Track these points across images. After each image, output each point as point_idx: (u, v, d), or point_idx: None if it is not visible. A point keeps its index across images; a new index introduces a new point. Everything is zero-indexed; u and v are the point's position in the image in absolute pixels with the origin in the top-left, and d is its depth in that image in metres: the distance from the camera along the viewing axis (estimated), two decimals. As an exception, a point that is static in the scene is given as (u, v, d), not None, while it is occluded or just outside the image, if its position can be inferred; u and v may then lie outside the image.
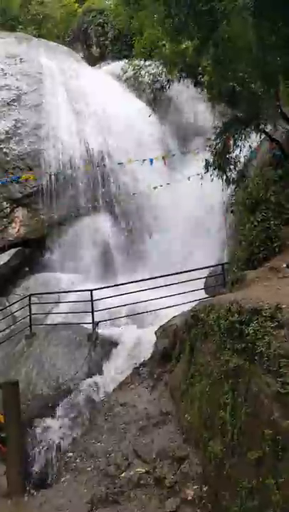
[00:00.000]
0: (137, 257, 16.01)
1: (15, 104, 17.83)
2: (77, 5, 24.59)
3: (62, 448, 6.34)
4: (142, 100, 19.64)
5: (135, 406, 6.20)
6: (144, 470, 4.58)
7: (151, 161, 10.82)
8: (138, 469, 4.63)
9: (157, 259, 15.34)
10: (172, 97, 19.20)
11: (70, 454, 5.47)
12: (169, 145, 17.88)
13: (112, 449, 5.30)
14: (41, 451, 7.11)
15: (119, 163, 11.59)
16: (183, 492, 4.13)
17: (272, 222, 6.56)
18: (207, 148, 9.35)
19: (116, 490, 4.50)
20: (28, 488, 5.06)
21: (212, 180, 9.81)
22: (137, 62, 12.94)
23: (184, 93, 19.21)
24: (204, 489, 4.00)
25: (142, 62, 12.46)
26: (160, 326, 8.30)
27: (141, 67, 11.41)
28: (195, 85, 18.33)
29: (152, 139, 17.83)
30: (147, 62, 16.35)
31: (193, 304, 9.79)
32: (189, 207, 15.51)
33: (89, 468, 5.05)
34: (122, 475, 4.65)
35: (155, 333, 8.21)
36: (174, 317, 8.22)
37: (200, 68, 16.03)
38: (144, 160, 10.54)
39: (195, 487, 4.09)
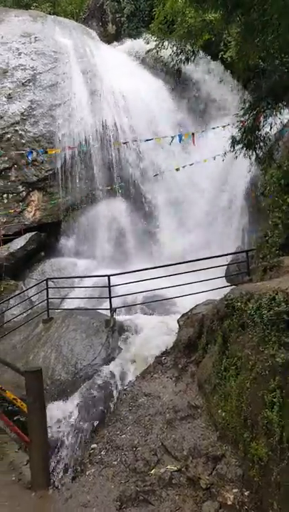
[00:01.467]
0: (153, 243, 15.64)
1: (30, 84, 17.36)
2: (92, -20, 23.62)
3: (85, 438, 6.11)
4: (158, 78, 18.95)
5: (160, 397, 5.88)
6: (175, 468, 4.28)
7: (180, 137, 10.23)
8: (169, 466, 4.33)
9: (174, 246, 14.95)
10: (191, 74, 18.45)
11: (94, 445, 5.20)
12: (187, 125, 17.21)
13: (139, 443, 5.01)
14: (62, 439, 6.97)
15: (147, 140, 10.97)
16: (221, 495, 3.81)
17: (311, 204, 6.08)
18: (232, 126, 8.76)
19: (146, 488, 4.21)
20: (52, 480, 4.80)
21: (236, 158, 9.26)
22: (155, 39, 12.28)
23: (203, 70, 18.50)
24: (246, 494, 3.66)
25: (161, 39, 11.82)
26: (183, 314, 7.94)
27: (161, 42, 10.76)
28: (215, 60, 17.61)
29: (169, 118, 17.19)
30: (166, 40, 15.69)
31: (214, 293, 9.53)
32: (208, 189, 14.98)
33: (115, 462, 4.78)
34: (152, 472, 4.35)
35: (178, 321, 7.86)
36: (197, 305, 7.85)
37: (222, 44, 15.34)
38: (173, 137, 9.95)
39: (235, 491, 3.76)
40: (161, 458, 4.57)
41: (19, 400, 5.07)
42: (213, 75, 18.39)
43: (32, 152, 13.32)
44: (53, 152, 13.49)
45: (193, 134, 10.48)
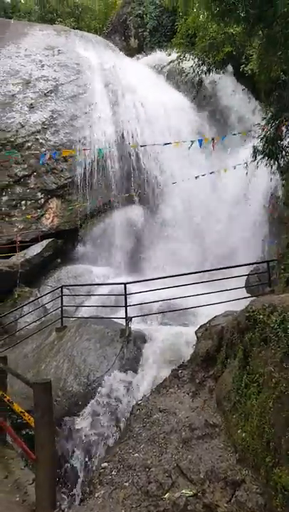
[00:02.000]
0: (171, 252, 15.39)
1: (52, 95, 17.65)
2: (116, -3, 24.15)
3: (95, 455, 5.84)
4: (180, 91, 18.96)
5: (176, 414, 5.56)
6: (191, 493, 3.95)
7: (200, 142, 10.08)
8: (184, 491, 4.00)
9: (191, 255, 14.68)
10: (212, 88, 18.39)
11: (105, 464, 4.90)
12: (208, 136, 17.07)
13: (152, 463, 4.69)
14: (73, 456, 6.70)
15: (165, 144, 10.85)
16: (241, 526, 3.48)
17: None
18: (254, 132, 8.57)
19: (159, 514, 3.90)
20: (58, 503, 4.52)
21: (257, 167, 9.04)
22: (178, 51, 12.24)
23: (223, 83, 18.41)
24: (268, 526, 3.33)
25: (183, 51, 11.83)
26: (201, 326, 7.63)
27: (183, 55, 10.68)
28: (235, 75, 17.53)
29: (190, 131, 17.10)
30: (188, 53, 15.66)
31: (234, 304, 9.19)
32: (227, 199, 14.72)
33: (126, 483, 4.47)
34: (166, 496, 4.03)
35: (195, 333, 7.54)
36: (216, 316, 7.52)
37: (243, 57, 15.22)
38: (193, 141, 9.81)
39: (256, 521, 3.42)
40: (175, 480, 4.24)
41: (26, 414, 4.83)
42: (233, 88, 18.31)
43: (45, 154, 13.28)
44: (67, 154, 13.44)
45: (213, 139, 10.30)
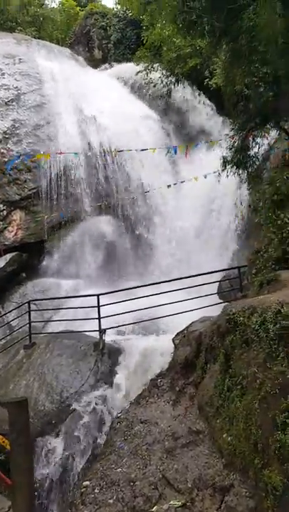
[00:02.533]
0: (141, 262, 15.36)
1: (13, 104, 17.29)
2: (78, 8, 24.28)
3: (75, 474, 5.57)
4: (145, 102, 19.23)
5: (157, 424, 5.46)
6: (180, 503, 3.85)
7: (175, 149, 10.20)
8: (172, 502, 3.89)
9: (162, 264, 14.72)
10: (177, 100, 18.79)
11: (87, 483, 4.69)
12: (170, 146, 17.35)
13: (136, 476, 4.55)
14: (49, 477, 6.37)
15: (142, 150, 10.85)
16: (233, 532, 3.41)
17: (306, 218, 5.98)
18: (221, 146, 8.81)
19: (148, 528, 3.76)
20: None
21: (227, 176, 9.27)
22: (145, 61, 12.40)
23: (188, 96, 18.90)
24: (262, 529, 3.28)
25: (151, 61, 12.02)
26: (178, 333, 7.60)
27: (151, 65, 10.86)
28: (200, 88, 18.05)
29: (156, 140, 17.30)
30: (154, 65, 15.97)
31: (207, 310, 9.26)
32: (195, 208, 14.94)
33: (111, 500, 4.29)
34: (154, 509, 3.90)
35: (173, 340, 7.50)
36: (192, 323, 7.53)
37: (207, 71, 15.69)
38: (169, 148, 9.91)
39: (249, 526, 3.37)
40: (162, 492, 4.13)
41: (0, 436, 4.54)
42: (198, 101, 18.85)
43: (17, 158, 12.86)
44: (41, 158, 13.12)
45: (187, 146, 10.47)
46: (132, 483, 4.43)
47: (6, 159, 15.49)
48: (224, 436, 4.27)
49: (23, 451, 4.01)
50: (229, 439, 4.13)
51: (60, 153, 13.81)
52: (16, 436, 4.00)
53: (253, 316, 4.26)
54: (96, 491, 4.49)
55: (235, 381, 4.33)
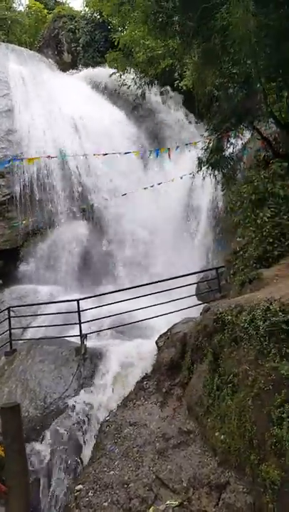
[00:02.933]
0: (117, 266, 15.36)
1: (-16, 110, 16.92)
2: (46, 11, 24.04)
3: (68, 478, 5.48)
4: (115, 105, 19.27)
5: (146, 425, 5.47)
6: (176, 502, 3.86)
7: (156, 152, 10.28)
8: (169, 502, 3.90)
9: (139, 268, 14.75)
10: (147, 101, 18.93)
11: (80, 487, 4.63)
12: (146, 148, 17.47)
13: (130, 478, 4.54)
14: (36, 484, 6.24)
15: (126, 153, 10.81)
16: (232, 528, 3.45)
17: (284, 217, 6.15)
18: (202, 143, 8.94)
19: (146, 530, 3.75)
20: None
21: (204, 178, 9.42)
22: (117, 64, 12.43)
23: (158, 98, 19.12)
24: (261, 524, 3.35)
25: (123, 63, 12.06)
26: (161, 335, 7.63)
27: (124, 67, 10.91)
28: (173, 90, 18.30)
29: (128, 143, 17.37)
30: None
31: (186, 312, 9.36)
32: (170, 210, 15.09)
33: (106, 503, 4.26)
34: (150, 510, 3.90)
35: (156, 342, 7.53)
36: (175, 324, 7.59)
37: (177, 74, 15.92)
38: (151, 151, 9.97)
39: (247, 521, 3.43)
40: (158, 493, 4.13)
41: (-8, 443, 4.44)
42: (169, 103, 19.07)
43: (7, 162, 12.59)
44: (33, 161, 12.86)
45: (169, 148, 10.57)
46: (125, 486, 4.41)
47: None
48: (216, 434, 4.33)
49: (17, 456, 3.94)
50: (222, 437, 4.19)
51: (49, 157, 13.60)
52: (10, 442, 3.93)
53: (241, 314, 4.34)
54: (90, 494, 4.45)
55: (226, 379, 4.39)
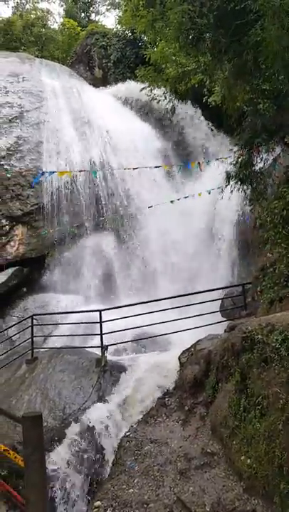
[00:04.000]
0: (141, 279, 15.30)
1: (17, 121, 17.49)
2: (79, 28, 24.83)
3: (85, 493, 5.37)
4: (145, 121, 19.51)
5: (168, 444, 5.32)
6: (199, 528, 3.71)
7: (188, 165, 10.32)
8: (191, 527, 3.75)
9: (163, 282, 14.65)
10: (176, 116, 19.08)
11: (98, 503, 4.52)
12: (174, 163, 17.53)
13: (150, 498, 4.39)
14: (53, 495, 6.14)
15: (156, 167, 10.94)
16: None
17: (317, 234, 5.99)
18: (232, 158, 8.88)
19: None
20: None
21: (231, 192, 9.33)
22: (149, 78, 12.61)
23: (188, 114, 19.22)
24: None
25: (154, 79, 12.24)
26: (184, 351, 7.48)
27: (155, 82, 11.06)
28: (199, 106, 18.38)
29: (157, 158, 17.49)
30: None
31: (210, 328, 9.17)
32: (196, 224, 14.99)
33: (124, 524, 4.14)
34: (172, 534, 3.75)
35: (179, 358, 7.38)
36: (199, 340, 7.43)
37: (206, 90, 16.02)
38: (181, 165, 10.01)
39: None
40: (179, 516, 3.98)
41: (12, 452, 4.40)
42: (197, 119, 19.17)
43: (43, 173, 12.92)
44: (64, 174, 13.17)
45: (199, 163, 10.58)
46: (145, 505, 4.28)
47: (10, 175, 15.55)
48: (242, 458, 4.15)
49: (37, 467, 3.87)
50: (249, 461, 4.01)
51: (81, 171, 13.87)
52: (30, 452, 3.86)
53: (272, 333, 4.20)
54: (108, 511, 4.32)
55: (254, 401, 4.23)
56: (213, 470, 4.51)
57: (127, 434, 5.88)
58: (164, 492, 4.42)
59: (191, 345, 7.35)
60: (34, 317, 11.26)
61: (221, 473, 4.39)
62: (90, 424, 7.41)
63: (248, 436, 4.20)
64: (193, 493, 4.22)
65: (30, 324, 10.51)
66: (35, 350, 10.31)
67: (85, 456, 6.79)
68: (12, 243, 15.45)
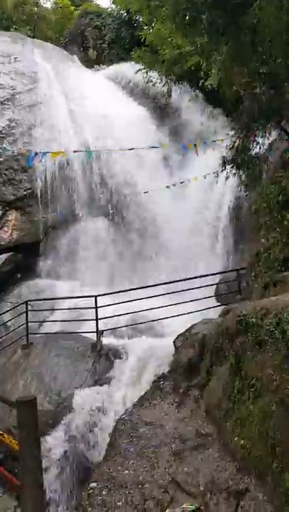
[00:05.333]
0: (137, 265, 15.29)
1: (9, 103, 17.08)
2: (73, 7, 24.16)
3: (80, 475, 5.46)
4: (139, 102, 19.19)
5: (163, 426, 5.39)
6: (193, 507, 3.77)
7: (184, 147, 10.20)
8: (186, 505, 3.82)
9: (158, 267, 14.65)
10: (171, 101, 18.79)
11: (94, 485, 4.59)
12: (169, 148, 17.34)
13: (145, 479, 4.47)
14: (48, 478, 6.23)
15: (153, 147, 10.80)
16: (252, 537, 3.35)
17: (312, 219, 5.98)
18: (227, 142, 8.79)
19: (161, 534, 3.68)
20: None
21: (227, 178, 9.29)
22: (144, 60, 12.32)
23: (184, 98, 18.93)
24: (282, 535, 3.23)
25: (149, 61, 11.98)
26: (179, 335, 7.53)
27: (151, 65, 10.81)
28: (195, 90, 18.10)
29: (152, 141, 17.26)
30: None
31: (205, 313, 9.23)
32: (190, 211, 14.93)
33: (120, 503, 4.20)
34: (166, 513, 3.83)
35: (174, 342, 7.43)
36: (194, 325, 7.48)
37: (202, 72, 15.75)
38: (178, 147, 9.88)
39: (268, 531, 3.31)
40: (174, 495, 4.05)
41: (6, 435, 4.41)
42: (193, 102, 18.87)
43: (36, 154, 12.64)
44: (57, 156, 12.90)
45: (195, 145, 10.47)
46: (140, 486, 4.35)
47: (2, 159, 15.29)
48: (236, 439, 4.21)
49: (32, 450, 3.88)
50: (242, 442, 4.08)
51: (75, 151, 13.54)
52: (25, 436, 3.87)
53: (266, 317, 4.21)
54: (104, 493, 4.40)
55: (248, 383, 4.28)
56: (207, 451, 4.58)
57: (123, 416, 5.95)
58: (158, 473, 4.49)
59: (186, 330, 7.40)
60: (29, 303, 11.26)
61: (215, 454, 4.46)
62: (86, 408, 7.51)
63: (241, 418, 4.26)
64: (187, 474, 4.29)
65: (24, 310, 10.51)
66: (30, 336, 10.34)
67: (81, 439, 6.90)
68: (5, 229, 15.28)
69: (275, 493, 3.47)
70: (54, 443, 7.11)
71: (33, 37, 21.96)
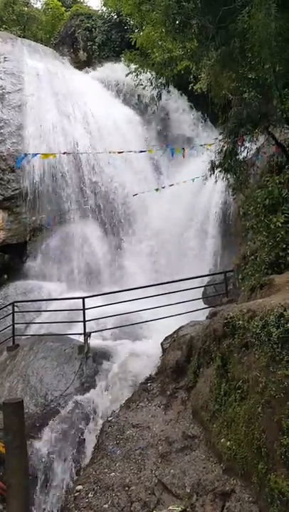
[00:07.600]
0: (124, 267, 15.29)
1: (-3, 103, 16.94)
2: (63, 9, 24.09)
3: (66, 478, 5.42)
4: (128, 105, 19.27)
5: (149, 428, 5.39)
6: (179, 508, 3.78)
7: (172, 151, 10.22)
8: (172, 507, 3.82)
9: (146, 269, 14.69)
10: (160, 103, 18.88)
11: (80, 487, 4.55)
12: (159, 148, 17.43)
13: (131, 481, 4.46)
14: (34, 481, 6.17)
15: (142, 151, 10.82)
16: (237, 538, 3.37)
17: (299, 223, 6.07)
18: (215, 147, 8.85)
19: (147, 535, 3.67)
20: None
21: (215, 182, 9.34)
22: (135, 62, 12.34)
23: (172, 100, 19.08)
24: (267, 535, 3.26)
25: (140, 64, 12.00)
26: (167, 337, 7.56)
27: (142, 68, 10.82)
28: (183, 94, 18.27)
29: (140, 142, 17.33)
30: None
31: (192, 315, 9.28)
32: (179, 213, 15.01)
33: (106, 505, 4.18)
34: (153, 515, 3.82)
35: (161, 344, 7.45)
36: (182, 327, 7.51)
37: (191, 76, 15.86)
38: (165, 150, 9.93)
39: (253, 532, 3.34)
40: (160, 497, 4.05)
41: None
42: (182, 107, 19.04)
43: (25, 155, 12.54)
44: (47, 158, 12.84)
45: (184, 148, 10.52)
46: (127, 488, 4.33)
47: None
48: (222, 440, 4.24)
49: (18, 453, 3.88)
50: (228, 443, 4.10)
51: (65, 153, 13.49)
52: (11, 439, 3.87)
53: (253, 319, 4.25)
54: (90, 495, 4.37)
55: (234, 385, 4.31)
56: (193, 453, 4.60)
57: (109, 419, 5.92)
58: (145, 475, 4.48)
59: (174, 332, 7.42)
60: (15, 304, 11.14)
61: (202, 455, 4.48)
62: (72, 410, 7.46)
63: (228, 420, 4.28)
64: (174, 476, 4.29)
65: (11, 311, 10.40)
66: (16, 338, 10.24)
67: (67, 441, 6.85)
68: (-8, 229, 15.13)
69: (261, 494, 3.51)
70: (41, 446, 7.07)
71: (23, 37, 21.81)
